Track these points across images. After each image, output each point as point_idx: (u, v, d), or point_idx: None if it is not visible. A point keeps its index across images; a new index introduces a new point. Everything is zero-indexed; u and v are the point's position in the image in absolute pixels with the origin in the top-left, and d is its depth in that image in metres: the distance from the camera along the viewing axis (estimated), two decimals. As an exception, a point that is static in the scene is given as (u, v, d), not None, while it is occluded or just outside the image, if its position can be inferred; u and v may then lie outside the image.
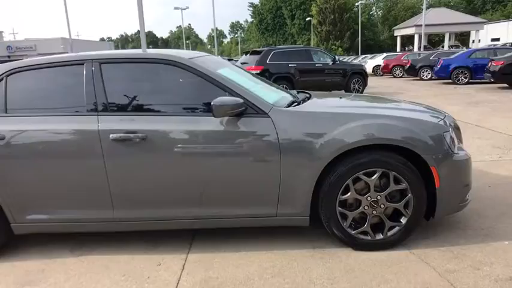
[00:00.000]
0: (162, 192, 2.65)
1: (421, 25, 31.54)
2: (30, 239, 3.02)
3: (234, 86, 2.65)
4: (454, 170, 2.64)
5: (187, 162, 2.59)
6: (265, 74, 10.98)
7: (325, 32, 48.94)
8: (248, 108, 2.58)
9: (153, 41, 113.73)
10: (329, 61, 12.04)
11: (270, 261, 2.62)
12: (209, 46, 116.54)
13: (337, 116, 2.62)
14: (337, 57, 13.12)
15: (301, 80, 11.34)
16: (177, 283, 2.43)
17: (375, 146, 2.55)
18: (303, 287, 2.33)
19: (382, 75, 24.34)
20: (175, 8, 42.34)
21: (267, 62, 11.12)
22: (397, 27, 44.46)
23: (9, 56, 42.76)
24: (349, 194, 2.60)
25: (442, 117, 2.85)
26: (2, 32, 52.72)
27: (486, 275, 2.35)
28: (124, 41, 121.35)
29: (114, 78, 2.73)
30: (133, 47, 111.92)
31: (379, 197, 2.61)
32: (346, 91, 12.03)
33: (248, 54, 12.00)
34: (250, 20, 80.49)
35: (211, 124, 2.55)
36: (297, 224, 2.72)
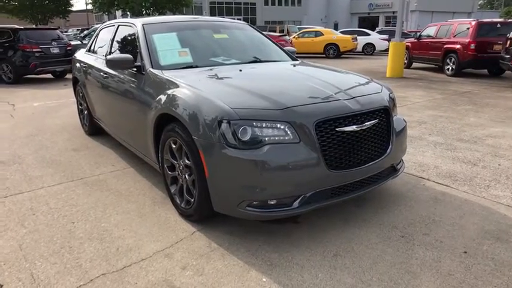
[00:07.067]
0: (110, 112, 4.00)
1: None
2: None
3: (143, 49, 3.31)
4: (226, 165, 2.28)
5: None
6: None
7: None
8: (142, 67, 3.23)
9: None
10: None
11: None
12: None
13: (167, 83, 2.81)
14: None
15: None
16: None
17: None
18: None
19: None
20: None
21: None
22: None
23: (368, 13, 48.02)
24: (167, 155, 2.84)
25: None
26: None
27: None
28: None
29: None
30: None
31: (181, 167, 2.70)
32: None
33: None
34: None
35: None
36: (157, 169, 3.20)
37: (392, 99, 3.00)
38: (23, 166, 4.00)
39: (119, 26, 4.09)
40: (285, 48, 4.13)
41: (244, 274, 2.16)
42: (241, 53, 3.66)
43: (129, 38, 3.75)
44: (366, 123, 2.50)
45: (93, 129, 4.95)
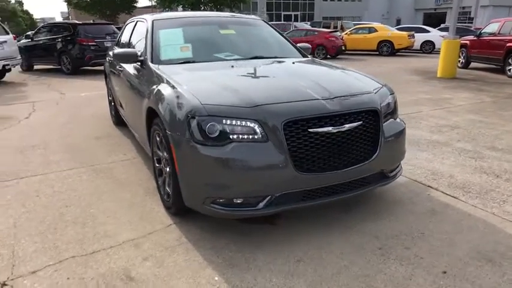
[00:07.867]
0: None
1: None
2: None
3: (148, 43, 3.41)
4: (192, 160, 2.28)
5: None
6: None
7: None
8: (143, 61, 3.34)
9: None
10: None
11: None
12: None
13: (158, 78, 2.87)
14: None
15: None
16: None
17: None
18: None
19: None
20: None
21: None
22: None
23: (435, 9, 45.08)
24: (155, 147, 2.91)
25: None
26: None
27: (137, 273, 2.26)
28: None
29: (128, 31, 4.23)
30: None
31: (164, 160, 2.75)
32: None
33: None
34: None
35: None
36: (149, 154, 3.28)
37: (393, 102, 2.82)
38: (46, 151, 4.33)
39: (137, 21, 4.25)
40: (298, 45, 4.03)
41: (200, 271, 2.16)
42: (245, 49, 3.62)
43: (142, 33, 3.87)
44: (346, 125, 2.36)
45: (119, 119, 5.20)
